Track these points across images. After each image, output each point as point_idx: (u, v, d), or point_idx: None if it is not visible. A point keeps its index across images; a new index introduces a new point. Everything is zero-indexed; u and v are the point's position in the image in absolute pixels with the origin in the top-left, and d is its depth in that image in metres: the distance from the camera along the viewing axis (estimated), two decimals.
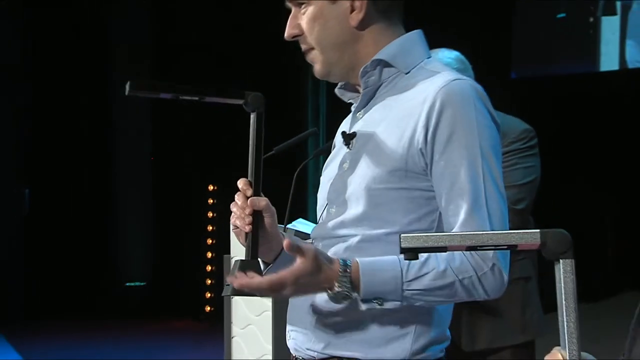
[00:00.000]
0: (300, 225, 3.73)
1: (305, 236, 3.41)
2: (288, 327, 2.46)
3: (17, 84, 11.31)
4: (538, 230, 1.50)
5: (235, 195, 2.36)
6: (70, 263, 10.90)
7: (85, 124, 11.84)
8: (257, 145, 2.34)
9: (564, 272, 1.48)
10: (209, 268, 9.51)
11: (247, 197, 2.32)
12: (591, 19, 9.99)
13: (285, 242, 2.21)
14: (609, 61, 9.87)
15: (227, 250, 4.18)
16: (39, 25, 11.88)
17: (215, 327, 4.55)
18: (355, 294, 2.18)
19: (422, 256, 2.26)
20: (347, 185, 2.40)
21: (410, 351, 2.30)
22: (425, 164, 2.29)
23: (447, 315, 2.38)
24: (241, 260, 2.27)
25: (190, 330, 9.37)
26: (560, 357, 1.49)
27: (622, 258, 9.91)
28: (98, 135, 11.83)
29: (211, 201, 9.84)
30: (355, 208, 2.35)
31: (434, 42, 2.55)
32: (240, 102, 2.31)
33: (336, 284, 2.19)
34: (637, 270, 9.25)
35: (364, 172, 2.37)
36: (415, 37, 2.46)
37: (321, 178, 2.57)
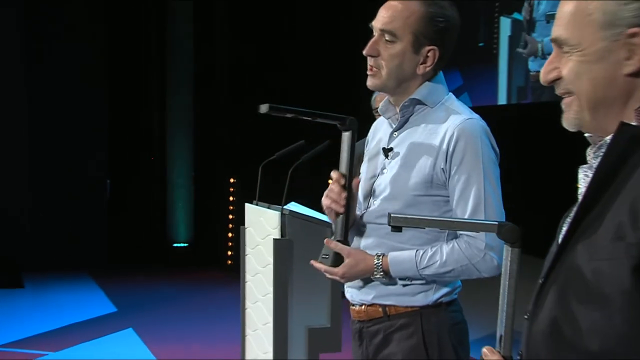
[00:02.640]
0: (293, 206, 3.83)
1: (297, 215, 3.66)
2: (346, 285, 2.68)
3: (93, 87, 10.95)
4: (496, 222, 1.53)
5: (331, 184, 2.56)
6: (139, 228, 10.94)
7: (146, 119, 11.46)
8: (350, 153, 2.56)
9: (511, 258, 1.50)
10: (230, 235, 9.86)
11: (341, 185, 2.53)
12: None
13: (332, 244, 2.55)
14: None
15: (242, 222, 4.30)
16: (113, 26, 11.28)
17: (234, 275, 4.56)
18: (387, 277, 2.50)
19: (432, 252, 2.48)
20: (386, 187, 2.56)
21: (433, 299, 2.54)
22: (445, 178, 2.49)
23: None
24: (337, 240, 2.56)
25: (218, 277, 9.62)
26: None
27: None
28: (157, 131, 11.50)
29: (232, 190, 10.00)
30: (393, 205, 2.51)
31: None
32: (337, 123, 2.56)
33: (374, 272, 2.51)
34: None
35: (400, 180, 2.53)
36: (440, 79, 2.60)
37: (362, 175, 2.69)
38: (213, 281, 9.52)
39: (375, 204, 2.58)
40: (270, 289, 3.92)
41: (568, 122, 1.52)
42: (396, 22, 2.47)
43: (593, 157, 1.51)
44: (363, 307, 2.60)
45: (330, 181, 2.57)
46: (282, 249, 3.82)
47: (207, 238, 10.65)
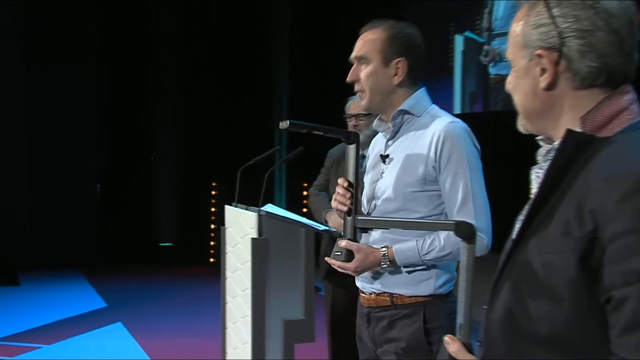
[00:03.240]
0: (269, 208, 3.81)
1: (273, 216, 3.63)
2: (358, 280, 2.77)
3: (88, 93, 10.76)
4: (453, 222, 1.56)
5: (338, 189, 2.65)
6: (128, 229, 10.84)
7: (133, 128, 11.27)
8: (355, 161, 2.65)
9: (467, 253, 1.51)
10: (212, 234, 9.83)
11: (345, 188, 2.62)
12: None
13: (343, 243, 2.62)
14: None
15: (223, 223, 4.30)
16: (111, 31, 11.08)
17: (216, 272, 4.59)
18: (394, 267, 2.62)
19: (430, 240, 2.59)
20: (387, 189, 2.67)
21: (434, 287, 2.65)
22: (436, 174, 2.60)
23: (453, 263, 2.68)
24: (347, 239, 2.63)
25: (201, 274, 9.63)
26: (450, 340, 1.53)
27: None
28: (144, 138, 11.41)
29: (214, 193, 10.05)
30: (394, 203, 2.64)
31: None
32: (343, 137, 2.67)
33: (382, 263, 2.62)
34: None
35: (397, 181, 2.64)
36: (424, 92, 2.74)
37: (365, 181, 2.80)
38: (196, 278, 9.54)
39: (378, 204, 2.69)
40: (249, 284, 3.91)
41: (519, 126, 1.60)
42: (365, 48, 2.66)
43: (543, 160, 1.56)
44: (372, 295, 2.71)
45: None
46: (260, 248, 3.80)
47: (190, 238, 10.65)
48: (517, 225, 1.52)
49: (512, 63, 1.55)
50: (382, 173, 2.70)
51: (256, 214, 3.81)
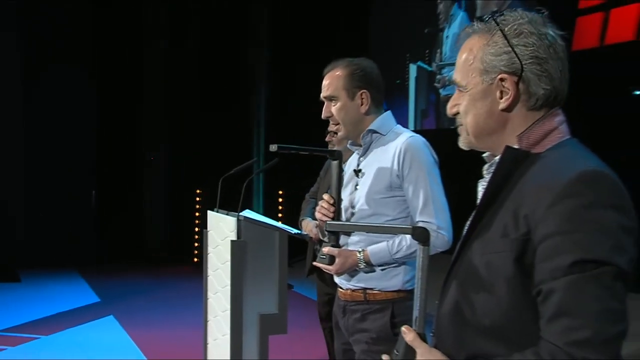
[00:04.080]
0: (247, 213, 3.78)
1: (250, 220, 3.60)
2: (336, 277, 2.82)
3: (83, 102, 10.48)
4: (410, 226, 1.53)
5: (321, 202, 2.77)
6: (120, 231, 10.77)
7: (125, 142, 11.11)
8: (338, 176, 2.74)
9: (422, 255, 1.49)
10: (196, 237, 9.72)
11: (331, 203, 2.73)
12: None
13: (326, 249, 2.72)
14: None
15: (205, 226, 4.27)
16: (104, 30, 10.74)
17: (199, 271, 4.50)
18: (369, 267, 2.68)
19: (399, 240, 2.64)
20: (360, 198, 2.73)
21: (402, 282, 2.69)
22: (400, 182, 2.65)
23: None
24: (330, 245, 2.70)
25: (186, 272, 9.50)
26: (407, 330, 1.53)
27: None
28: (136, 151, 11.22)
29: (198, 199, 9.93)
30: (367, 210, 2.70)
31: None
32: (327, 154, 2.81)
33: (359, 264, 2.68)
34: None
35: (369, 190, 2.70)
36: (389, 114, 2.81)
37: (342, 192, 2.81)
38: (181, 275, 9.47)
39: (354, 212, 2.73)
40: (228, 282, 3.88)
41: (461, 143, 1.63)
42: (331, 88, 2.74)
43: (486, 173, 1.60)
44: (348, 291, 2.76)
45: (321, 201, 2.80)
46: (238, 249, 3.76)
47: (177, 239, 10.60)
48: (464, 231, 1.55)
49: (466, 88, 1.55)
50: (357, 185, 2.75)
51: (235, 218, 3.78)
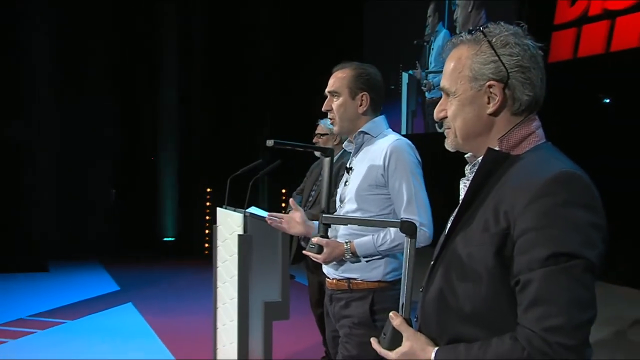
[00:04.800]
0: (253, 210, 3.75)
1: (255, 216, 3.58)
2: (324, 268, 2.78)
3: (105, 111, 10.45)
4: (399, 220, 1.53)
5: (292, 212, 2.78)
6: (137, 226, 10.76)
7: (142, 147, 11.16)
8: (329, 172, 2.70)
9: (409, 247, 1.49)
10: (206, 231, 9.60)
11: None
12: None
13: (315, 239, 2.65)
14: None
15: (215, 222, 4.32)
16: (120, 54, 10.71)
17: (209, 262, 4.54)
18: (355, 257, 2.64)
19: (383, 234, 2.58)
20: (349, 194, 2.70)
21: (383, 274, 2.65)
22: (385, 181, 2.60)
23: (401, 255, 2.63)
24: (319, 236, 2.63)
25: (197, 264, 9.22)
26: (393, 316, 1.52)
27: None
28: (151, 154, 11.10)
29: (208, 197, 9.85)
30: (353, 205, 2.66)
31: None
32: (320, 152, 2.77)
33: (345, 255, 2.64)
34: None
35: (356, 187, 2.66)
36: (383, 118, 2.76)
37: (339, 189, 2.82)
38: (193, 267, 9.40)
39: (344, 205, 2.71)
40: (235, 272, 3.89)
41: (448, 146, 1.60)
42: (337, 84, 2.71)
43: (469, 172, 1.58)
44: (334, 280, 2.73)
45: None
46: (244, 242, 3.83)
47: (189, 234, 10.50)
48: (448, 225, 1.54)
49: (455, 94, 1.53)
50: (347, 182, 2.72)
51: (242, 215, 3.83)
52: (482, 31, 1.50)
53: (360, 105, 2.70)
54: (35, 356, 5.45)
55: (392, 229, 2.57)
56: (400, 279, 2.52)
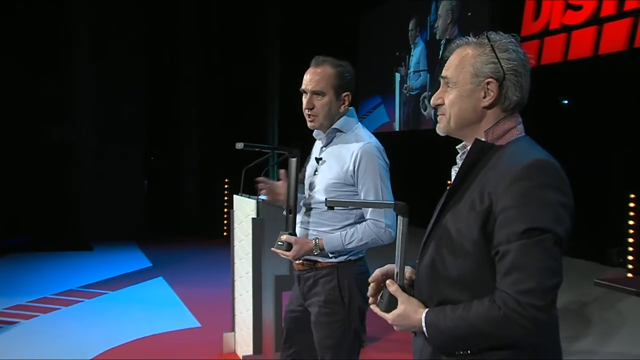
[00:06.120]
0: (264, 197, 3.83)
1: (266, 202, 3.22)
2: None
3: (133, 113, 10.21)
4: (393, 202, 1.50)
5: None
6: (167, 211, 10.79)
7: (169, 142, 10.99)
8: (296, 172, 2.47)
9: (402, 225, 1.46)
10: (225, 216, 9.41)
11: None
12: None
13: (284, 237, 2.44)
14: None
15: (232, 207, 4.35)
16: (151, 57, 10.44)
17: (228, 242, 4.55)
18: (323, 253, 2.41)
19: (352, 232, 2.39)
20: (318, 184, 2.46)
21: (344, 259, 2.45)
22: (354, 181, 2.39)
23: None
24: (288, 233, 2.44)
25: (218, 243, 9.23)
26: (393, 269, 1.52)
27: None
28: (177, 149, 10.97)
29: (226, 186, 9.55)
30: (320, 196, 2.43)
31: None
32: (287, 152, 2.48)
33: (314, 251, 2.42)
34: None
35: (326, 179, 2.43)
36: (353, 113, 2.51)
37: (306, 176, 2.55)
38: (214, 246, 9.32)
39: (312, 194, 2.48)
40: (250, 250, 3.93)
41: (439, 130, 1.57)
42: (321, 84, 2.43)
43: (459, 159, 1.57)
44: (301, 262, 2.51)
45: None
46: (257, 225, 3.85)
47: (211, 218, 10.37)
48: (439, 205, 1.53)
49: (456, 84, 1.50)
50: (316, 171, 2.50)
51: (255, 201, 3.87)
52: (487, 36, 1.50)
53: (343, 104, 2.47)
54: (83, 320, 5.47)
55: (360, 228, 2.38)
56: (360, 257, 2.47)
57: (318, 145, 2.58)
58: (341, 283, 2.40)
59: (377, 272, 1.57)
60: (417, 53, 9.50)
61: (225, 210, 9.50)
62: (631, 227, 6.05)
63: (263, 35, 10.62)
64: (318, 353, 2.45)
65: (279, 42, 10.75)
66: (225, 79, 10.72)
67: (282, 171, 2.51)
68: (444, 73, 1.54)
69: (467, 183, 1.45)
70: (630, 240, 6.06)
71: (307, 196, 2.50)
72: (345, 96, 2.45)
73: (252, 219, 3.89)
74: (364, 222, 2.41)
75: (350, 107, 2.51)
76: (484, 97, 1.48)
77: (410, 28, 9.72)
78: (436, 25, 9.03)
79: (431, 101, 1.56)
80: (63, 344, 4.73)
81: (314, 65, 2.47)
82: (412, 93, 9.65)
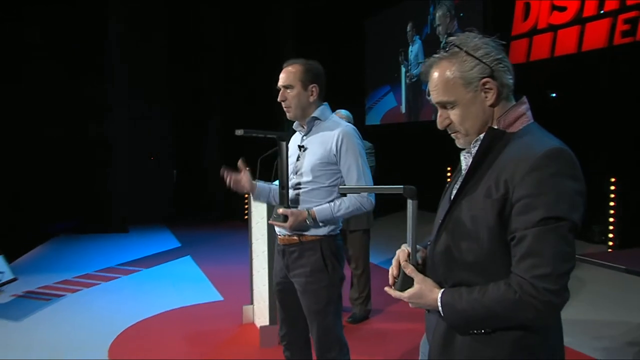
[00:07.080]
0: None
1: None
2: (276, 227, 2.49)
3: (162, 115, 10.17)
4: (402, 186, 1.37)
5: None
6: (194, 197, 10.70)
7: (195, 137, 10.77)
8: (286, 155, 2.41)
9: (412, 207, 1.38)
10: (245, 201, 8.93)
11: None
12: None
13: (280, 210, 2.39)
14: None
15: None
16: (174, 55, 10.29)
17: (246, 225, 4.50)
18: (315, 222, 2.39)
19: (339, 202, 2.38)
20: (302, 167, 2.44)
21: (328, 230, 2.42)
22: (336, 160, 2.39)
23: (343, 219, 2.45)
24: (283, 207, 2.39)
25: (239, 226, 9.17)
26: (405, 250, 1.44)
27: None
28: (202, 143, 10.82)
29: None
30: (307, 177, 2.41)
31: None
32: (276, 136, 2.40)
33: (307, 221, 2.38)
34: None
35: (309, 162, 2.42)
36: (327, 106, 2.50)
37: (290, 164, 2.47)
38: (235, 228, 9.28)
39: (299, 176, 2.45)
40: (265, 232, 3.92)
41: (460, 145, 1.45)
42: (290, 79, 2.43)
43: (472, 147, 1.42)
44: (286, 236, 2.47)
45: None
46: (272, 208, 3.73)
47: (232, 203, 10.26)
48: (453, 192, 1.42)
49: (455, 103, 1.37)
50: (300, 157, 2.45)
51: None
52: (457, 45, 1.36)
53: (311, 95, 2.44)
54: (120, 294, 5.47)
55: (346, 199, 2.37)
56: (338, 233, 2.45)
57: (297, 136, 2.55)
58: (325, 254, 2.39)
59: (396, 257, 1.46)
60: (415, 49, 9.80)
61: (245, 196, 9.44)
62: (612, 207, 6.08)
63: (275, 38, 10.55)
64: (307, 318, 2.44)
65: (292, 42, 10.67)
66: (243, 79, 10.65)
67: (240, 161, 2.51)
68: (435, 100, 1.40)
69: (482, 170, 1.35)
70: (611, 219, 6.08)
71: (293, 179, 2.46)
72: (312, 87, 2.43)
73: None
74: (349, 195, 2.43)
75: (324, 102, 2.50)
76: (486, 97, 1.37)
77: (407, 30, 10.02)
78: (436, 24, 9.15)
79: (438, 125, 1.42)
80: (103, 314, 4.76)
81: (285, 66, 2.48)
82: (413, 80, 9.91)
